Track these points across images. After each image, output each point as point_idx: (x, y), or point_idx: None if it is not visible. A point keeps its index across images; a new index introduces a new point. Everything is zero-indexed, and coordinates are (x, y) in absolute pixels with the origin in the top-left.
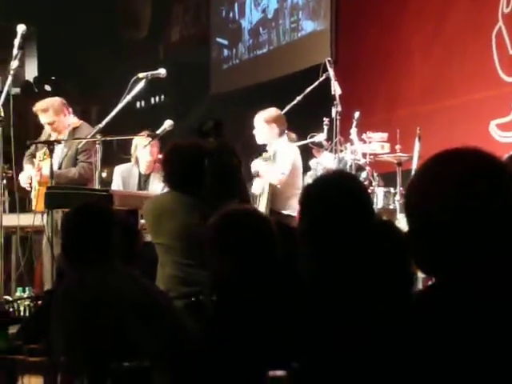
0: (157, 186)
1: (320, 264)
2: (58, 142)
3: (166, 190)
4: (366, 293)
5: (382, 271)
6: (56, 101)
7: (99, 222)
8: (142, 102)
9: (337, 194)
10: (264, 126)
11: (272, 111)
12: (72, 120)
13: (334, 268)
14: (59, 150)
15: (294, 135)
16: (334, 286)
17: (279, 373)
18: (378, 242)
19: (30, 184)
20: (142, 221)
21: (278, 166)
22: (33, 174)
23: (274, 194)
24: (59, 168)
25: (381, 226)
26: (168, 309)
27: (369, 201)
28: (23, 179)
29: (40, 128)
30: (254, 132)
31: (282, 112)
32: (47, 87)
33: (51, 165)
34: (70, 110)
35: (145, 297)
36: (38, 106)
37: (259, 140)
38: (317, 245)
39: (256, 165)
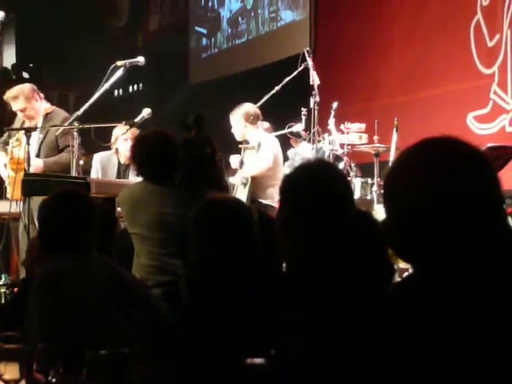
0: (134, 176)
1: (298, 254)
2: (35, 129)
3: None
4: (347, 283)
5: (362, 262)
6: (26, 87)
7: (79, 210)
8: (120, 91)
9: (315, 184)
10: (240, 122)
11: (246, 107)
12: (44, 105)
13: (313, 259)
14: (34, 136)
15: (267, 124)
16: (313, 277)
17: (258, 360)
18: (357, 233)
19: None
20: (119, 209)
21: (260, 157)
22: (6, 161)
23: (255, 183)
24: (37, 155)
25: (359, 217)
26: (145, 296)
27: (347, 190)
28: (1, 169)
29: (16, 114)
30: (232, 130)
31: (261, 102)
32: (25, 74)
33: (28, 151)
34: (42, 95)
35: (122, 285)
36: (8, 94)
37: (238, 137)
38: (295, 235)
39: (235, 159)
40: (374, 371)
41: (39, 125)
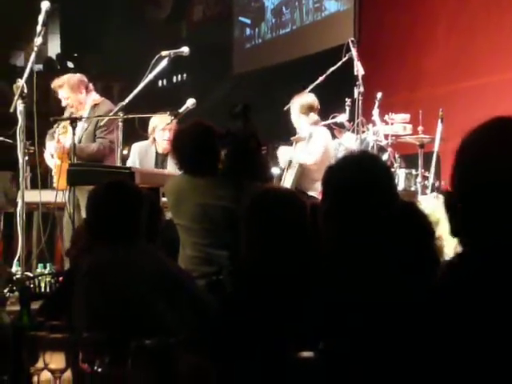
0: (174, 167)
1: (342, 246)
2: (80, 119)
3: None
4: (390, 275)
5: (407, 254)
6: (73, 77)
7: (128, 200)
8: (164, 81)
9: (358, 176)
10: (296, 110)
11: (303, 97)
12: (93, 97)
13: (357, 250)
14: (80, 125)
15: (316, 117)
16: (356, 269)
17: (306, 354)
18: (402, 225)
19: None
20: (164, 199)
21: (312, 148)
22: (53, 149)
23: (302, 174)
24: (79, 142)
25: (404, 208)
26: (190, 287)
27: (391, 182)
28: (48, 158)
29: (61, 103)
30: (291, 114)
31: (305, 92)
32: (69, 64)
33: (73, 140)
34: (91, 87)
35: (168, 276)
36: (55, 82)
37: (293, 122)
38: (339, 226)
39: (285, 150)
40: (428, 364)
41: (85, 115)
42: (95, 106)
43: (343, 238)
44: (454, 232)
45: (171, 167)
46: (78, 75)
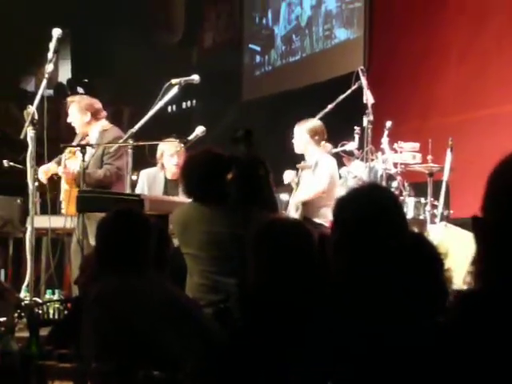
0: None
1: (351, 276)
2: (91, 145)
3: None
4: (400, 308)
5: (416, 284)
6: (84, 99)
7: (137, 229)
8: (174, 107)
9: (368, 208)
10: (305, 136)
11: (312, 122)
12: (102, 123)
13: (366, 281)
14: (88, 151)
15: (329, 146)
16: (365, 298)
17: None
18: (412, 255)
19: (48, 178)
20: (171, 226)
21: (317, 178)
22: (59, 171)
23: (308, 202)
24: (85, 168)
25: (414, 239)
26: (198, 317)
27: (400, 213)
28: (41, 170)
29: (72, 129)
30: (293, 141)
31: (314, 120)
32: (80, 89)
33: (83, 166)
34: (103, 114)
35: (176, 305)
36: (70, 97)
37: (298, 150)
38: (349, 257)
39: (289, 174)
40: None
41: (93, 140)
42: (104, 131)
43: (353, 268)
44: (478, 260)
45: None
46: (91, 100)
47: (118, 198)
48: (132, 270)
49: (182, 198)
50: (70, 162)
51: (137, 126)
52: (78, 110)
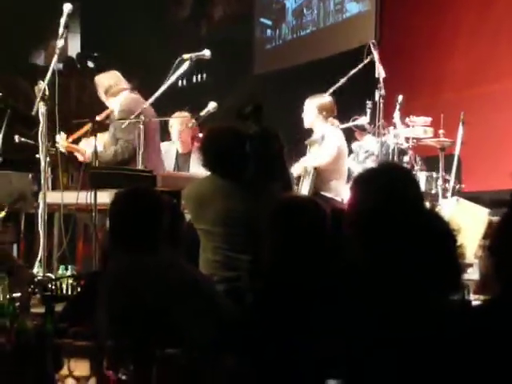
0: (197, 167)
1: (366, 255)
2: (100, 122)
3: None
4: (413, 285)
5: (430, 262)
6: (100, 78)
7: (149, 208)
8: (184, 81)
9: (388, 187)
10: (314, 112)
11: (322, 98)
12: (124, 95)
13: (380, 259)
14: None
15: (336, 122)
16: (380, 280)
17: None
18: (425, 234)
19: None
20: (184, 201)
21: (324, 149)
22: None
23: (318, 176)
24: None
25: (427, 217)
26: (211, 294)
27: (419, 195)
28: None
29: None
30: (303, 115)
31: (326, 94)
32: (90, 63)
33: (95, 145)
34: (123, 86)
35: (190, 283)
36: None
37: (307, 124)
38: (361, 234)
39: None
40: None
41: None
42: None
43: (369, 246)
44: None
45: (194, 167)
46: (105, 76)
47: (131, 174)
48: (145, 248)
49: (193, 173)
50: (86, 142)
51: (148, 102)
52: (98, 89)
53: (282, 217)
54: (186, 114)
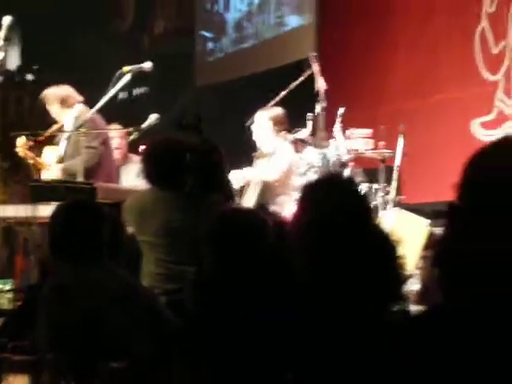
0: (129, 178)
1: (311, 268)
2: (39, 134)
3: (139, 181)
4: (353, 298)
5: (370, 274)
6: (50, 91)
7: (89, 220)
8: (125, 93)
9: (335, 199)
10: (268, 124)
11: (276, 110)
12: (78, 109)
13: (325, 272)
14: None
15: (288, 135)
16: (325, 291)
17: None
18: (368, 248)
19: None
20: (125, 214)
21: (275, 164)
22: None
23: (266, 190)
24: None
25: (371, 230)
26: (152, 305)
27: (362, 206)
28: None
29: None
30: (253, 127)
31: (267, 107)
32: (29, 76)
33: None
34: (76, 99)
35: (130, 295)
36: (43, 93)
37: (257, 136)
38: (310, 250)
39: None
40: None
41: (67, 127)
42: (79, 117)
43: (313, 256)
44: (442, 244)
45: (127, 178)
46: (57, 90)
47: (71, 187)
48: (86, 261)
49: (133, 185)
50: (48, 151)
51: (88, 114)
52: (48, 103)
53: (220, 228)
54: (118, 126)
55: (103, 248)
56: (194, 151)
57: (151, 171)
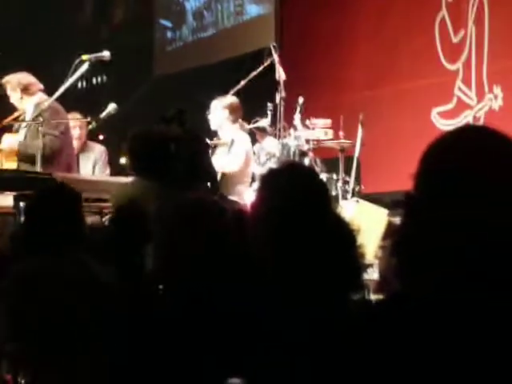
0: (87, 166)
1: (271, 257)
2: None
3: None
4: (314, 287)
5: (330, 263)
6: (13, 77)
7: (52, 210)
8: (84, 83)
9: (290, 190)
10: (220, 112)
11: (230, 99)
12: (39, 96)
13: (284, 262)
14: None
15: (246, 125)
16: (285, 280)
17: (236, 380)
18: (327, 238)
19: None
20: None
21: (233, 156)
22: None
23: (224, 180)
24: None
25: (331, 219)
26: (118, 296)
27: (322, 195)
28: None
29: None
30: (209, 117)
31: (228, 96)
32: None
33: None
34: (37, 87)
35: (94, 284)
36: (3, 79)
37: (213, 126)
38: (269, 239)
39: None
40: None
41: (28, 115)
42: (39, 104)
43: (272, 244)
44: (400, 234)
45: (84, 168)
46: (20, 76)
47: (31, 177)
48: (49, 251)
49: (96, 175)
50: (7, 139)
51: (47, 103)
52: (10, 89)
53: (178, 218)
54: (78, 115)
55: (65, 237)
56: (179, 140)
57: (136, 162)
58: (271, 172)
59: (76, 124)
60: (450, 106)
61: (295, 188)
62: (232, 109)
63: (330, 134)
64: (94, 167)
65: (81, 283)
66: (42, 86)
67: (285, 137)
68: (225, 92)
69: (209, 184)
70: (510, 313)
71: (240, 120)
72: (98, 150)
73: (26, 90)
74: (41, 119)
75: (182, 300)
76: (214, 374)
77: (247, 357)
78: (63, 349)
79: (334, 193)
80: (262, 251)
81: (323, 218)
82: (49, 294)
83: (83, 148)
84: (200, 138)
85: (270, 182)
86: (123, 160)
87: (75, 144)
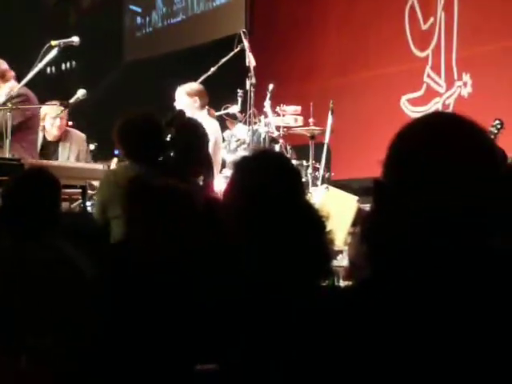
0: (65, 155)
1: (242, 242)
2: None
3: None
4: (284, 272)
5: (299, 249)
6: None
7: (29, 194)
8: (53, 68)
9: (261, 176)
10: (186, 98)
11: (194, 85)
12: (11, 85)
13: (254, 248)
14: None
15: (214, 111)
16: (256, 265)
17: (209, 366)
18: (297, 224)
19: None
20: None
21: None
22: None
23: None
24: None
25: (300, 205)
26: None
27: (293, 182)
28: None
29: None
30: (175, 104)
31: (197, 82)
32: None
33: None
34: (11, 75)
35: (72, 269)
36: None
37: None
38: (241, 225)
39: None
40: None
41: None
42: (10, 92)
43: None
44: (369, 220)
45: (62, 155)
46: None
47: None
48: (24, 236)
49: (63, 162)
50: None
51: (16, 89)
52: None
53: (142, 200)
54: (54, 101)
55: (41, 223)
56: (177, 127)
57: (128, 148)
58: (244, 158)
59: (57, 115)
60: (419, 93)
61: (268, 170)
62: (197, 95)
63: (300, 120)
64: (77, 156)
65: (58, 268)
66: (13, 73)
67: (255, 123)
68: (195, 79)
69: (202, 175)
70: (476, 295)
71: (207, 107)
72: (79, 139)
73: (2, 76)
74: (9, 105)
75: (152, 284)
76: (184, 360)
77: (219, 343)
78: (31, 332)
79: (304, 179)
80: (233, 234)
81: (294, 201)
82: (19, 279)
83: (65, 136)
84: (197, 128)
85: (243, 166)
86: (92, 146)
87: (56, 133)
